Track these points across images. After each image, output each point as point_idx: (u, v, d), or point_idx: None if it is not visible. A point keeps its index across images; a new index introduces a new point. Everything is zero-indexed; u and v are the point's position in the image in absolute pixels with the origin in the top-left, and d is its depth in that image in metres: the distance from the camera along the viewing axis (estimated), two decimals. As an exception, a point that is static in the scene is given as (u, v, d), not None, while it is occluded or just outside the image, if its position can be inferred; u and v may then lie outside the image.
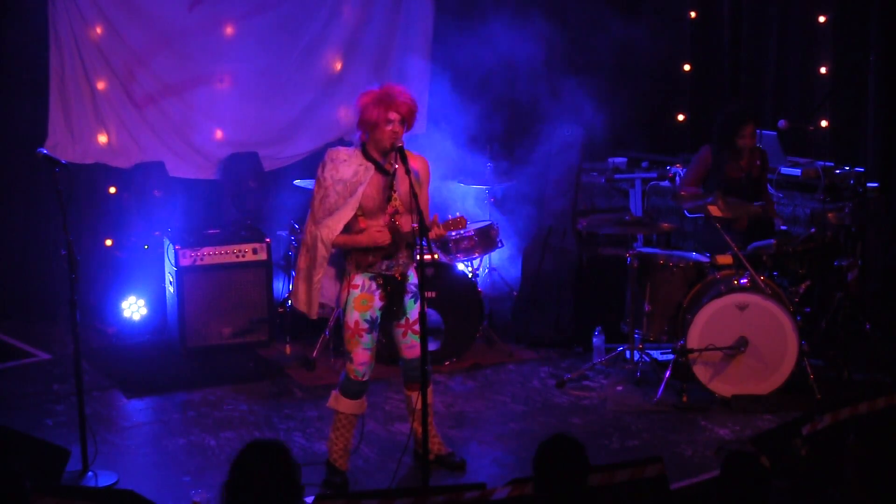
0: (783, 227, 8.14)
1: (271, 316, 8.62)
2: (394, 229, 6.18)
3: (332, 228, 6.14)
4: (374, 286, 6.22)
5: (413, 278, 6.33)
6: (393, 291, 6.26)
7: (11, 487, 4.28)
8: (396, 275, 6.25)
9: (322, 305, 6.33)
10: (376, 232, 6.15)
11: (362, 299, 6.21)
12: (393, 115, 6.08)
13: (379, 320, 6.28)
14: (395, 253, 6.22)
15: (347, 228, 6.16)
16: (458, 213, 6.38)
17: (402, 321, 6.33)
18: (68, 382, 7.60)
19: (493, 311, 8.92)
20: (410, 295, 6.32)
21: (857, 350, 7.93)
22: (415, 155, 6.22)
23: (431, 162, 6.44)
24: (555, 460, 4.42)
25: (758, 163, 8.14)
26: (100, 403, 7.54)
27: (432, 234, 6.13)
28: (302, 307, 6.35)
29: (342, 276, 6.28)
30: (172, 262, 8.46)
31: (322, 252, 6.16)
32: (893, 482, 4.37)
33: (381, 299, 6.24)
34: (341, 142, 9.41)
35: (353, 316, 6.21)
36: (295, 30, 9.53)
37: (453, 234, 8.09)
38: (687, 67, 10.46)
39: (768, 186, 8.36)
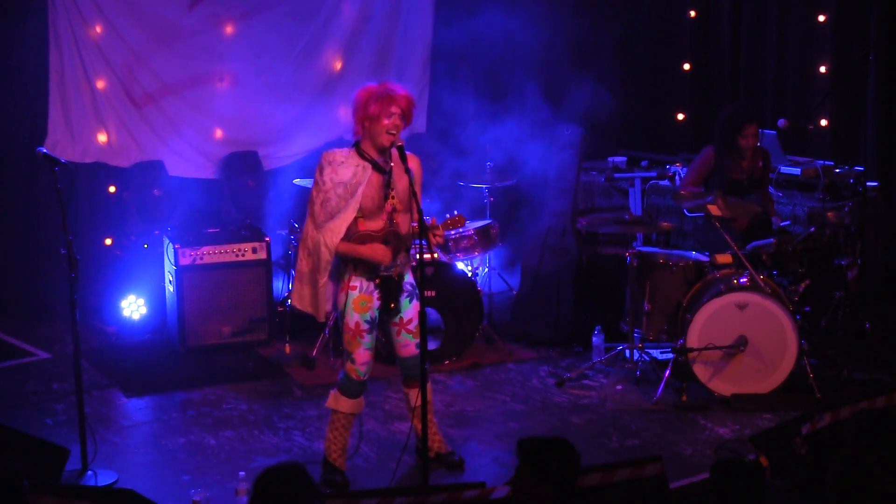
0: (783, 224, 8.12)
1: (271, 315, 8.62)
2: (393, 233, 6.18)
3: (335, 232, 6.13)
4: (371, 287, 6.22)
5: (409, 277, 6.34)
6: (389, 291, 6.25)
7: (9, 486, 4.29)
8: (394, 275, 6.25)
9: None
10: (380, 251, 6.14)
11: (361, 300, 6.20)
12: (394, 109, 6.07)
13: (377, 319, 6.28)
14: (394, 256, 6.22)
15: (347, 230, 6.16)
16: (455, 212, 6.38)
17: (397, 320, 6.33)
18: (68, 381, 7.60)
19: (493, 310, 8.92)
20: (406, 294, 6.31)
21: (856, 349, 7.92)
22: (408, 154, 6.20)
23: (431, 161, 6.44)
24: (545, 458, 4.42)
25: (760, 164, 8.14)
26: (99, 402, 7.54)
27: (432, 237, 6.14)
28: (309, 309, 6.33)
29: (338, 277, 6.28)
30: (172, 261, 8.46)
31: (326, 256, 6.15)
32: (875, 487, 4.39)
33: (378, 299, 6.24)
34: (341, 140, 9.40)
35: (354, 317, 6.21)
36: (294, 29, 9.53)
37: (453, 233, 8.09)
38: (687, 66, 10.46)
39: (769, 187, 8.37)
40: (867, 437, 4.59)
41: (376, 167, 6.18)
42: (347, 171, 6.16)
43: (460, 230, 8.02)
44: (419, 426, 6.30)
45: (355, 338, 6.22)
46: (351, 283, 6.21)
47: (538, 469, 4.38)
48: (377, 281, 6.21)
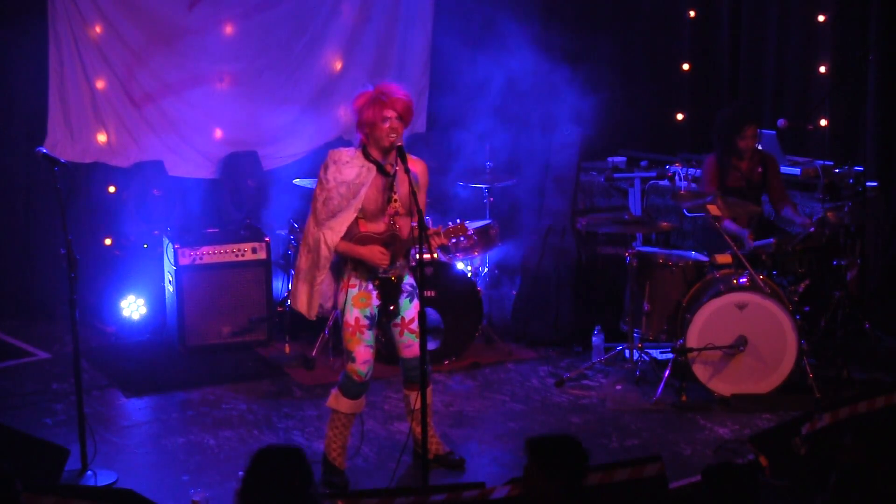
0: (810, 230, 7.78)
1: (270, 315, 8.62)
2: (394, 237, 6.19)
3: (335, 231, 6.15)
4: (370, 286, 6.23)
5: (408, 278, 6.34)
6: (388, 292, 6.26)
7: (2, 488, 4.27)
8: (392, 277, 6.26)
9: (319, 305, 6.34)
10: (379, 254, 6.15)
11: (361, 297, 6.21)
12: (389, 113, 6.09)
13: (377, 318, 6.29)
14: (394, 259, 6.23)
15: (348, 230, 6.17)
16: (458, 220, 6.41)
17: (398, 321, 6.34)
18: (67, 381, 7.61)
19: (493, 310, 8.92)
20: (406, 294, 6.32)
21: (856, 349, 7.93)
22: (413, 158, 6.21)
23: (430, 161, 6.44)
24: (555, 455, 4.41)
25: (759, 169, 8.12)
26: (99, 402, 7.54)
27: (434, 243, 6.16)
28: (301, 308, 6.35)
29: (338, 276, 6.29)
30: (172, 261, 8.46)
31: (325, 254, 6.17)
32: (881, 485, 4.38)
33: (377, 298, 6.25)
34: (340, 140, 9.42)
35: (354, 313, 6.21)
36: (295, 29, 9.53)
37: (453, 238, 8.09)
38: (686, 66, 10.45)
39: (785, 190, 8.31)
40: (866, 440, 4.58)
41: (380, 170, 6.19)
42: (352, 171, 6.17)
43: (461, 235, 8.02)
44: (418, 429, 6.30)
45: (355, 334, 6.22)
46: (350, 282, 6.22)
47: (547, 467, 4.38)
48: (376, 282, 6.23)
